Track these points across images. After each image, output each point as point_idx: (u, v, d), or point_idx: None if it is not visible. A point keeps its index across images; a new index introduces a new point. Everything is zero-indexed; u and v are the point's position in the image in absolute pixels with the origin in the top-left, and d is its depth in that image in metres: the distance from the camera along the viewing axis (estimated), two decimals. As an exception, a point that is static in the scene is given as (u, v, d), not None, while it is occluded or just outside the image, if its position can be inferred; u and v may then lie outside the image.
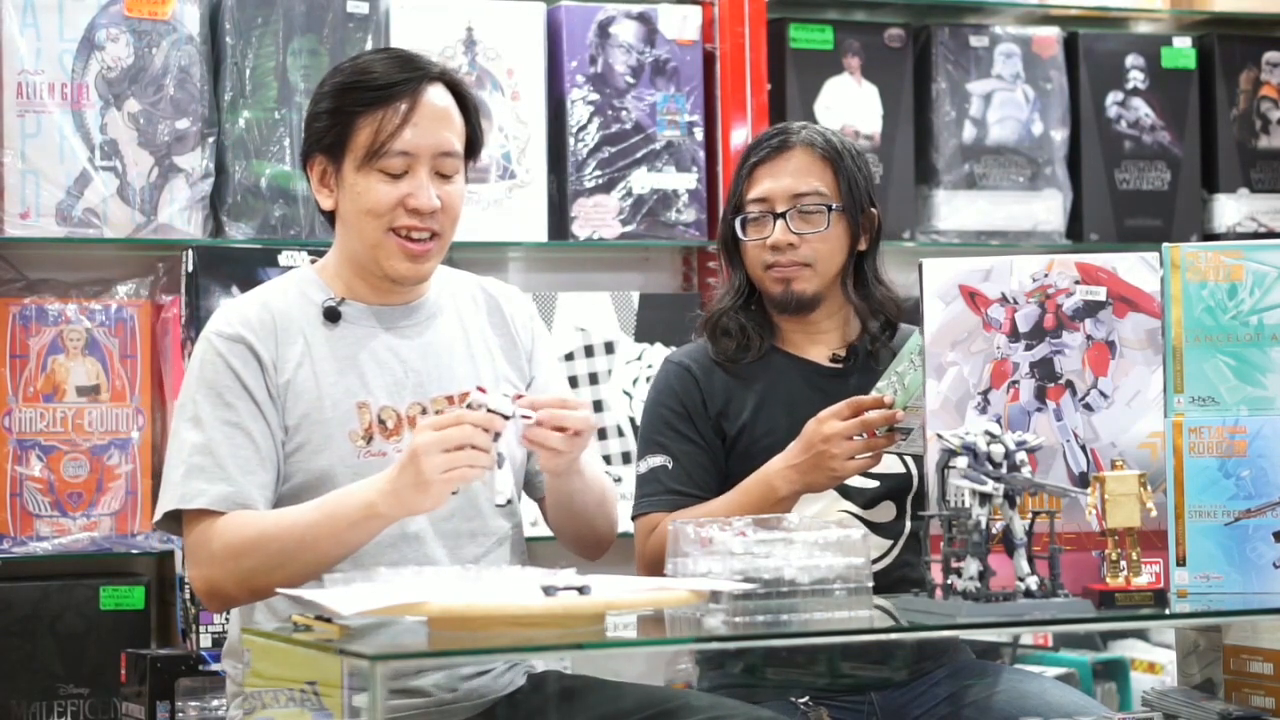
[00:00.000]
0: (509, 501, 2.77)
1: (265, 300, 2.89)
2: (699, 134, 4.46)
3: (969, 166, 4.74)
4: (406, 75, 2.84)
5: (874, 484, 3.14)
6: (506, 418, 2.62)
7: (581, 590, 2.37)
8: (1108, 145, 4.86)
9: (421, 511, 2.70)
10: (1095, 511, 2.59)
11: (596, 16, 4.42)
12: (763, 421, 3.16)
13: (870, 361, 3.20)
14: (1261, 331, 2.68)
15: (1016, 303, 2.79)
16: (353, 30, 4.22)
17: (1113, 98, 4.87)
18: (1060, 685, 3.14)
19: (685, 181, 4.45)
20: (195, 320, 3.89)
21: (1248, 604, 2.63)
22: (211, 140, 4.10)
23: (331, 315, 2.88)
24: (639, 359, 4.38)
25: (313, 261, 3.21)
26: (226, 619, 3.38)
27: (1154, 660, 4.49)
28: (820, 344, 3.24)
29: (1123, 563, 2.59)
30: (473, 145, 2.92)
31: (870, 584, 2.52)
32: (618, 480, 4.12)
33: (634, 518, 3.18)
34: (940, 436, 2.55)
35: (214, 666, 3.65)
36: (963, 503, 2.50)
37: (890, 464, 3.08)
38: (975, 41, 4.75)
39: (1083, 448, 2.77)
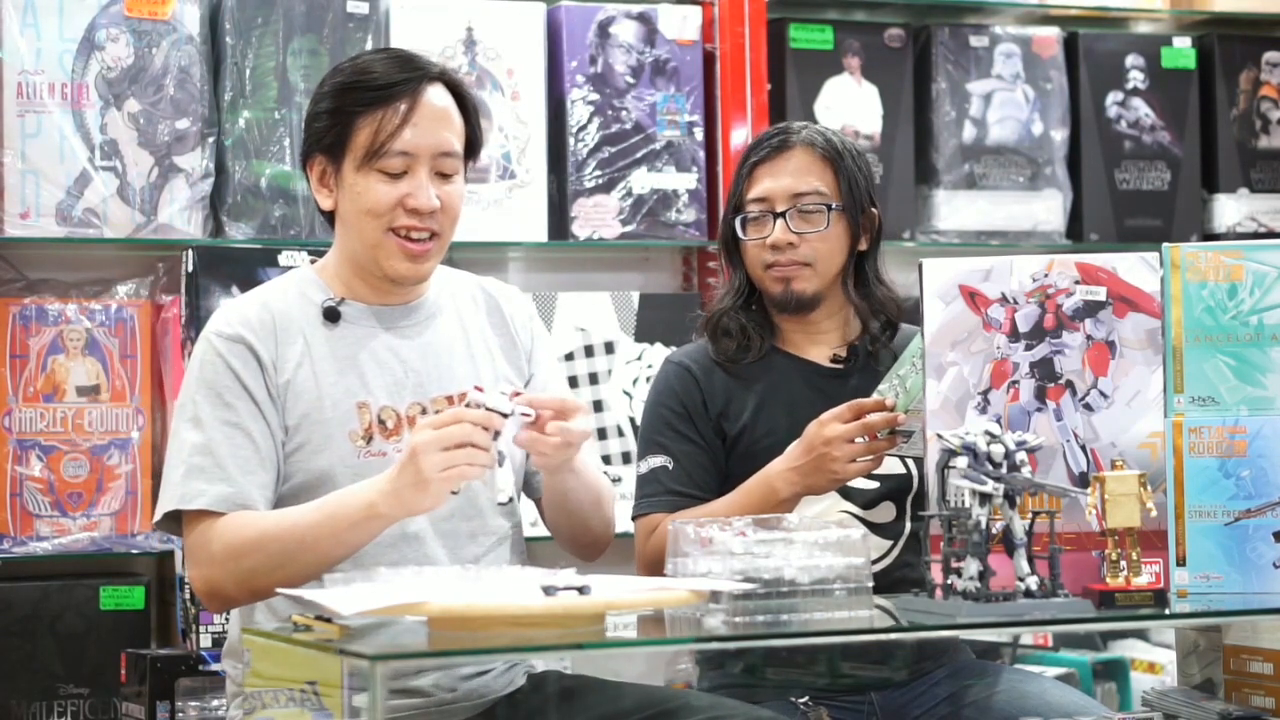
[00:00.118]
0: (510, 500, 2.77)
1: (265, 300, 2.89)
2: (699, 134, 4.46)
3: (969, 166, 4.74)
4: (406, 75, 2.85)
5: (874, 485, 3.14)
6: (505, 416, 2.62)
7: (581, 590, 2.37)
8: (1108, 145, 4.86)
9: (422, 511, 2.69)
10: (1095, 511, 2.59)
11: (596, 16, 4.42)
12: (763, 422, 3.16)
13: (871, 362, 3.20)
14: (1261, 331, 2.68)
15: (1016, 303, 2.79)
16: (353, 30, 4.22)
17: (1113, 98, 4.87)
18: (1060, 685, 3.14)
19: (685, 181, 4.45)
20: (195, 320, 3.89)
21: (1248, 604, 2.63)
22: (211, 140, 4.10)
23: (331, 315, 2.88)
24: (639, 359, 4.38)
25: (312, 261, 3.21)
26: (226, 619, 3.38)
27: (1154, 660, 4.49)
28: (821, 344, 3.24)
29: (1123, 563, 2.59)
30: (472, 145, 2.92)
31: (870, 584, 2.52)
32: (617, 480, 4.12)
33: (634, 518, 3.18)
34: (940, 436, 2.54)
35: (214, 666, 3.65)
36: (963, 503, 2.50)
37: (891, 465, 3.08)
38: (975, 41, 4.75)
39: (1083, 448, 2.77)
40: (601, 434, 4.32)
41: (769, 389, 3.19)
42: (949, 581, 2.51)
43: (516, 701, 2.88)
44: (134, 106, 4.05)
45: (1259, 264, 2.69)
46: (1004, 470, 2.51)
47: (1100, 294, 2.79)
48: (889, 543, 3.15)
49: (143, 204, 4.04)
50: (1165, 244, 2.74)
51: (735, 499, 3.06)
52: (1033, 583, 2.50)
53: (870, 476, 3.08)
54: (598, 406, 4.33)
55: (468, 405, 2.63)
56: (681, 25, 4.48)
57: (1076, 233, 4.84)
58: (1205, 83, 4.95)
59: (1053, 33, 4.85)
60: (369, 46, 4.19)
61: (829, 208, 3.18)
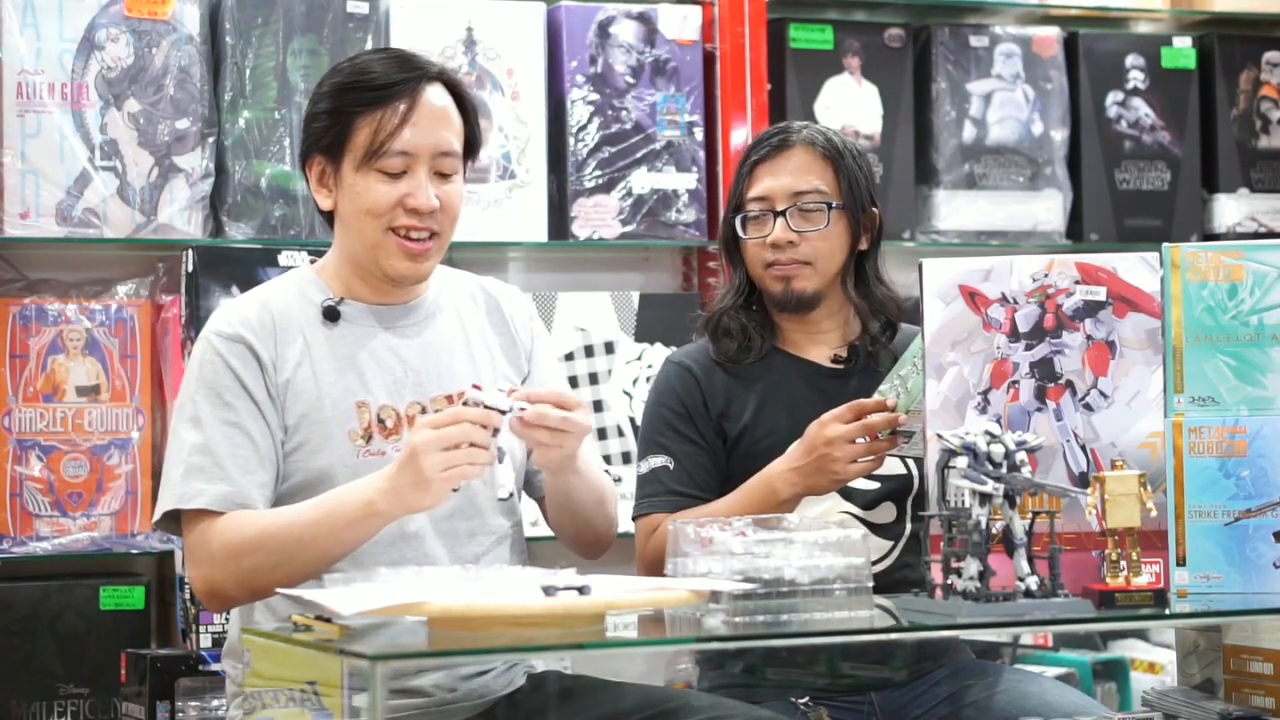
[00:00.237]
0: (510, 495, 2.76)
1: (264, 300, 2.89)
2: (699, 134, 4.46)
3: (969, 166, 4.74)
4: (405, 75, 2.84)
5: (875, 485, 3.14)
6: (504, 413, 2.62)
7: (581, 590, 2.37)
8: (1108, 145, 4.86)
9: (421, 510, 2.70)
10: (1095, 511, 2.59)
11: (596, 16, 4.42)
12: (764, 422, 3.16)
13: (871, 362, 3.20)
14: (1261, 331, 2.68)
15: (1016, 303, 2.79)
16: (353, 30, 4.21)
17: (1113, 98, 4.87)
18: (1060, 685, 3.14)
19: (685, 181, 4.45)
20: (195, 320, 3.89)
21: (1248, 604, 2.63)
22: (211, 140, 4.10)
23: (331, 315, 2.88)
24: (639, 359, 4.38)
25: (312, 261, 3.21)
26: (226, 619, 3.38)
27: (1154, 660, 4.49)
28: (821, 344, 3.24)
29: (1123, 563, 2.59)
30: (472, 145, 2.92)
31: (870, 584, 2.52)
32: (618, 480, 4.12)
33: (635, 518, 3.18)
34: (940, 437, 2.54)
35: (214, 666, 3.65)
36: (963, 503, 2.50)
37: (891, 465, 3.08)
38: (975, 41, 4.75)
39: (1083, 448, 2.77)
40: (601, 434, 4.32)
41: (769, 389, 3.18)
42: (949, 581, 2.51)
43: (516, 701, 2.88)
44: (134, 106, 4.05)
45: (1259, 264, 2.69)
46: (1004, 470, 2.51)
47: (1100, 294, 2.79)
48: (889, 543, 3.14)
49: (143, 204, 4.04)
50: (1165, 244, 2.74)
51: (736, 499, 3.06)
52: (1033, 583, 2.49)
53: (871, 477, 3.08)
54: (598, 406, 4.33)
55: (466, 404, 2.63)
56: (681, 25, 4.48)
57: (1076, 233, 4.84)
58: (1205, 83, 4.95)
59: (1053, 33, 4.85)
60: (369, 46, 4.19)
61: (829, 206, 3.18)
